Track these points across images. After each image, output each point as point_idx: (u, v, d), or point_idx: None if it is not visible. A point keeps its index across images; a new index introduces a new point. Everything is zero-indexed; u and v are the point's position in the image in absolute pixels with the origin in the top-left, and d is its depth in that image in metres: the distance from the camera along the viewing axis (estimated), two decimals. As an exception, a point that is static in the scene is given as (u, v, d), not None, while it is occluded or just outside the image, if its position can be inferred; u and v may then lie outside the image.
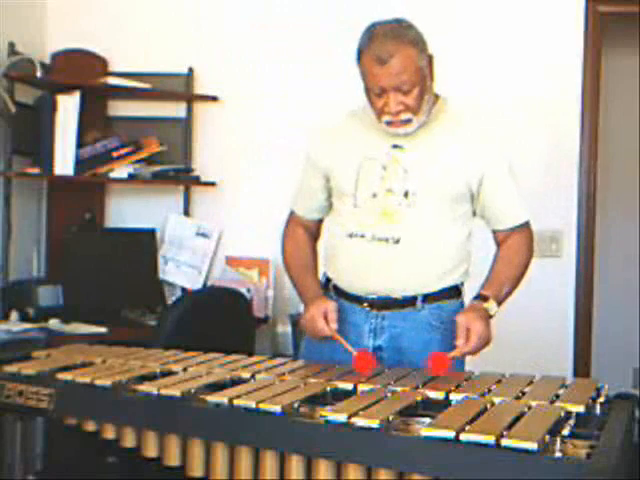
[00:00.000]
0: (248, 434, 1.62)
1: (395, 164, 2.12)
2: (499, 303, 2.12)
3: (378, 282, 2.15)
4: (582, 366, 3.68)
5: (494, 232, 2.23)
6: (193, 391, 1.78)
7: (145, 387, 1.81)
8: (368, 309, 2.18)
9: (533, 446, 1.36)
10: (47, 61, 3.70)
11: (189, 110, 3.77)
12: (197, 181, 3.72)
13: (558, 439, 1.45)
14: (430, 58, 2.09)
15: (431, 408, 1.68)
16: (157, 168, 3.63)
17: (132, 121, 3.76)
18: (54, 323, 3.22)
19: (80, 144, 3.51)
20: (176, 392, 1.76)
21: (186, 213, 3.78)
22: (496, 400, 1.68)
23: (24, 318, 3.24)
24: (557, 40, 3.65)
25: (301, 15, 3.72)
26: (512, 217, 2.20)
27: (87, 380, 1.89)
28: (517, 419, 1.53)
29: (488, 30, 3.68)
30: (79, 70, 3.65)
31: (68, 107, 3.48)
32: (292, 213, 2.37)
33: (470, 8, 3.69)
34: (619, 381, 2.42)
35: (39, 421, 2.66)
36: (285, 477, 1.58)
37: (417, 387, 1.82)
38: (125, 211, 3.83)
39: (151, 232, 3.72)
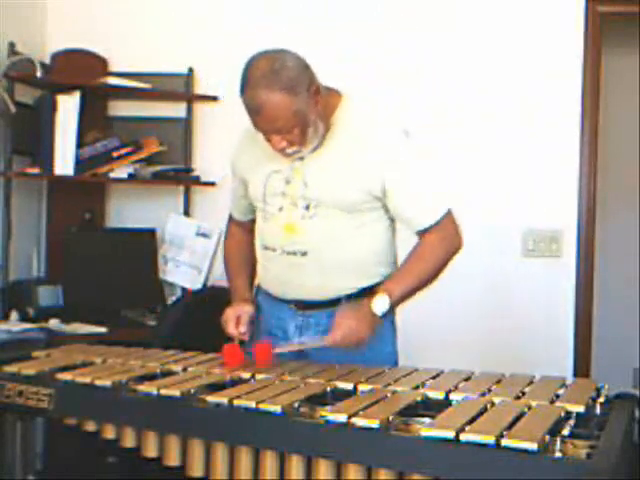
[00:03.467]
0: (248, 434, 1.62)
1: (297, 177, 2.14)
2: (397, 298, 2.10)
3: (296, 291, 2.20)
4: (582, 366, 3.67)
5: (414, 232, 2.21)
6: (193, 391, 1.78)
7: (145, 387, 1.81)
8: (294, 309, 2.22)
9: (533, 446, 1.36)
10: (47, 61, 3.70)
11: (189, 110, 3.77)
12: (197, 181, 3.72)
13: (558, 439, 1.45)
14: (314, 90, 2.05)
15: (431, 408, 1.68)
16: (157, 168, 3.63)
17: (132, 121, 3.76)
18: (54, 323, 3.22)
19: (80, 144, 3.51)
20: (176, 392, 1.76)
21: (186, 213, 3.78)
22: (496, 400, 1.68)
23: (24, 318, 3.24)
24: (557, 40, 3.65)
25: (301, 15, 3.72)
26: (419, 222, 2.16)
27: (87, 380, 1.89)
28: (517, 419, 1.53)
29: (488, 30, 3.68)
30: (79, 70, 3.65)
31: (68, 107, 3.47)
32: (231, 215, 2.46)
33: (470, 9, 3.69)
34: (619, 381, 2.41)
35: (39, 421, 2.67)
36: (285, 477, 1.58)
37: (417, 387, 1.82)
38: (125, 211, 3.83)
39: (151, 232, 3.72)
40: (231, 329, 2.19)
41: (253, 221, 2.36)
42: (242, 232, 2.42)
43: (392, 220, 2.23)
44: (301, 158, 2.13)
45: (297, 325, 2.21)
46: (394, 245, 2.27)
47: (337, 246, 2.15)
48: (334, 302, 2.16)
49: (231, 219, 2.47)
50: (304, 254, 2.15)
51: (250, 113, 2.03)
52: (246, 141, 2.30)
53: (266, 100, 1.98)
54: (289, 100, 1.99)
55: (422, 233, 2.17)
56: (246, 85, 2.03)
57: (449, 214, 2.19)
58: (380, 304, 2.08)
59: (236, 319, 2.20)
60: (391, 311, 2.25)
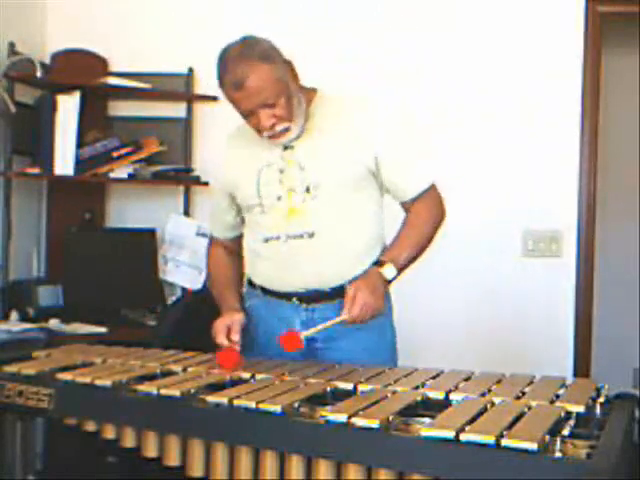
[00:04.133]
0: (248, 434, 1.62)
1: (290, 164, 2.17)
2: (401, 266, 2.14)
3: (302, 278, 2.19)
4: (582, 366, 3.67)
5: (400, 204, 2.27)
6: (193, 391, 1.78)
7: (145, 387, 1.81)
8: (297, 303, 2.21)
9: (533, 446, 1.36)
10: (47, 61, 3.70)
11: (189, 110, 3.77)
12: (197, 181, 3.72)
13: (558, 439, 1.45)
14: (288, 64, 2.11)
15: (431, 408, 1.68)
16: (157, 168, 3.63)
17: (132, 121, 3.76)
18: (54, 323, 3.22)
19: (80, 144, 3.51)
20: (176, 392, 1.76)
21: (186, 213, 3.78)
22: (496, 400, 1.68)
23: (24, 318, 3.24)
24: (557, 40, 3.65)
25: (301, 15, 3.72)
26: (410, 189, 2.22)
27: (87, 380, 1.89)
28: (517, 419, 1.53)
29: (488, 30, 3.68)
30: (79, 70, 3.65)
31: (68, 107, 3.48)
32: (211, 235, 2.48)
33: (470, 9, 3.69)
34: (619, 381, 2.41)
35: (39, 421, 2.67)
36: (285, 477, 1.58)
37: (417, 387, 1.82)
38: (125, 211, 3.83)
39: (151, 232, 3.72)
40: (221, 339, 2.14)
41: (235, 240, 2.38)
42: (224, 252, 2.43)
43: (381, 204, 2.28)
44: (290, 147, 2.16)
45: (302, 321, 2.20)
46: (384, 227, 2.30)
47: (343, 224, 2.17)
48: (337, 293, 2.15)
49: (211, 241, 2.48)
50: (312, 235, 2.15)
51: (233, 93, 2.05)
52: (230, 149, 2.32)
53: (246, 72, 2.02)
54: (268, 68, 2.04)
55: (411, 202, 2.22)
56: (223, 69, 2.06)
57: (434, 185, 2.25)
58: (388, 273, 2.11)
59: (227, 329, 2.15)
60: (390, 303, 2.28)
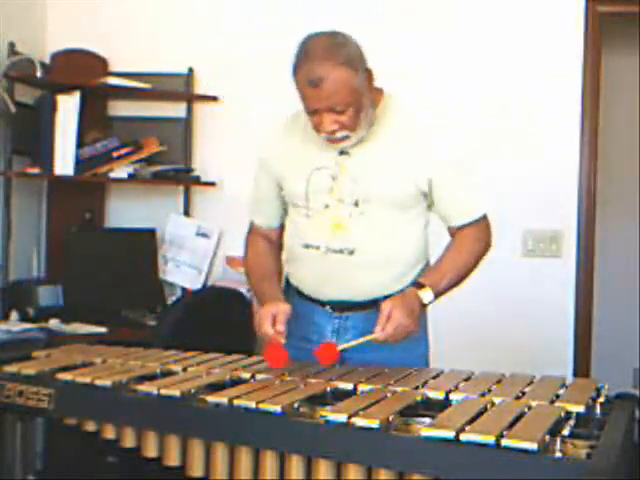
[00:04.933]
0: (248, 434, 1.62)
1: (343, 173, 2.10)
2: (439, 291, 2.09)
3: (337, 291, 2.16)
4: (582, 366, 3.67)
5: (447, 227, 2.21)
6: (193, 391, 1.78)
7: (145, 387, 1.81)
8: (330, 311, 2.19)
9: (533, 446, 1.36)
10: (47, 61, 3.70)
11: (189, 110, 3.77)
12: (197, 181, 3.72)
13: (558, 439, 1.45)
14: (368, 73, 2.04)
15: (431, 408, 1.68)
16: (157, 168, 3.63)
17: (132, 121, 3.76)
18: (54, 323, 3.22)
19: (80, 144, 3.51)
20: (176, 392, 1.76)
21: (186, 213, 3.78)
22: (496, 400, 1.68)
23: (24, 318, 3.25)
24: (557, 40, 3.65)
25: (301, 15, 3.72)
26: (462, 216, 2.17)
27: (87, 380, 1.89)
28: (517, 419, 1.53)
29: (488, 30, 3.68)
30: (79, 70, 3.65)
31: (68, 107, 3.48)
32: (252, 223, 2.35)
33: (470, 9, 3.69)
34: (619, 381, 2.41)
35: (39, 421, 2.67)
36: (285, 477, 1.58)
37: (417, 387, 1.82)
38: (125, 211, 3.83)
39: (151, 232, 3.72)
40: (267, 328, 2.02)
41: (277, 228, 2.31)
42: (265, 243, 2.32)
43: (427, 220, 2.23)
44: (346, 153, 2.10)
45: (334, 328, 2.18)
46: (428, 244, 2.26)
47: (385, 244, 2.13)
48: (371, 303, 2.13)
49: (252, 228, 2.35)
50: (351, 252, 2.11)
51: (306, 88, 1.97)
52: (281, 137, 2.23)
53: (327, 73, 1.94)
54: (350, 75, 1.96)
55: (461, 227, 2.17)
56: (303, 59, 1.97)
57: (485, 214, 2.20)
58: (426, 297, 2.06)
59: (272, 318, 2.04)
60: (425, 314, 2.24)
